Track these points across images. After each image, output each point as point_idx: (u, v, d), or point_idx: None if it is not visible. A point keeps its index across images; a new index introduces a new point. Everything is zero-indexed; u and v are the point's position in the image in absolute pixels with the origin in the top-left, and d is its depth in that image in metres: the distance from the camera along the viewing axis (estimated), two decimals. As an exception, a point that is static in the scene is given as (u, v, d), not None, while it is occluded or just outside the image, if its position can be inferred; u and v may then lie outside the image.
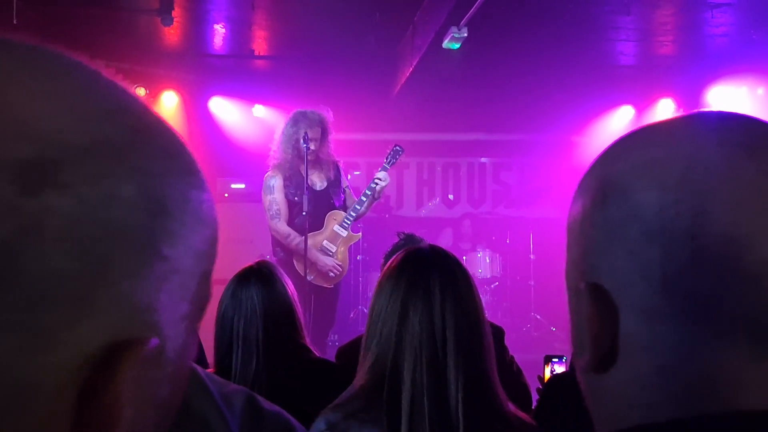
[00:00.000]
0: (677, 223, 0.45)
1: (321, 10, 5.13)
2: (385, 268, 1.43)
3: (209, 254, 0.40)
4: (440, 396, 1.27)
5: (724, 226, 0.44)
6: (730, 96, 6.32)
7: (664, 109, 7.00)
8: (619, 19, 5.14)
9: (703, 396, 0.45)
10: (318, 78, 6.28)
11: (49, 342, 0.31)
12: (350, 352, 1.76)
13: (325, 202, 4.29)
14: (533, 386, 2.18)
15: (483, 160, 7.99)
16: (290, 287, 1.94)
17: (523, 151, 7.65)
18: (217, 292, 2.15)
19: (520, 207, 7.38)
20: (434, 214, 7.81)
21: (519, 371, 2.15)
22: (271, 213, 4.24)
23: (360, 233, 4.82)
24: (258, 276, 1.89)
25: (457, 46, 4.70)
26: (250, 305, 1.83)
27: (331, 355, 2.46)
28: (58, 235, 0.31)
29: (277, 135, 4.30)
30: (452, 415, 1.26)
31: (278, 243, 4.28)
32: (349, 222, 4.30)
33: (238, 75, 6.64)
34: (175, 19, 5.06)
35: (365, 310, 5.28)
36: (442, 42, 4.69)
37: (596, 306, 0.48)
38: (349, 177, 4.96)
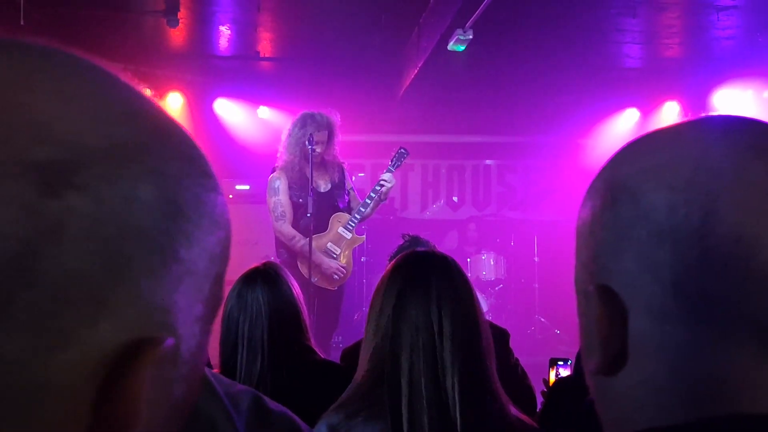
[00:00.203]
0: (687, 223, 0.45)
1: (326, 12, 5.14)
2: (384, 272, 1.45)
3: (223, 256, 0.41)
4: (438, 389, 1.29)
5: (733, 227, 0.44)
6: (736, 99, 6.30)
7: (670, 112, 6.98)
8: (624, 21, 5.14)
9: (713, 398, 0.45)
10: (323, 80, 6.29)
11: (68, 341, 0.31)
12: (355, 353, 1.76)
13: (330, 204, 4.30)
14: (538, 389, 2.18)
15: (488, 162, 7.99)
16: (296, 288, 1.95)
17: (528, 153, 7.64)
18: (225, 292, 2.16)
19: (524, 209, 7.37)
20: (439, 217, 7.81)
21: (524, 374, 2.15)
22: (275, 215, 4.25)
23: (364, 235, 4.83)
24: (264, 277, 1.89)
25: (462, 48, 4.71)
26: (255, 306, 1.84)
27: (335, 357, 2.46)
28: (79, 235, 0.31)
29: (284, 136, 4.30)
30: (450, 413, 1.28)
31: (282, 245, 4.29)
32: (353, 224, 4.30)
33: (244, 76, 6.65)
34: (180, 21, 5.08)
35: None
36: (447, 44, 4.69)
37: (605, 308, 0.49)
38: (353, 179, 4.97)
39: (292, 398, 1.61)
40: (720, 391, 0.45)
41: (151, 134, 0.36)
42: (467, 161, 7.95)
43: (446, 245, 7.02)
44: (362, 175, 7.49)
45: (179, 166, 0.37)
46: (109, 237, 0.32)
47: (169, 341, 0.35)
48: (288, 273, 2.00)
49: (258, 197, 5.59)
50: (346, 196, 4.40)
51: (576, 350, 0.58)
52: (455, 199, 7.97)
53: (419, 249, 1.52)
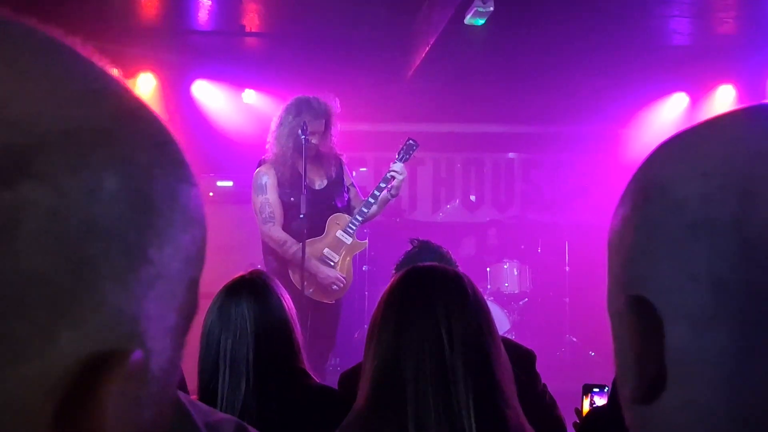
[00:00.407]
0: (723, 210, 0.46)
1: (323, -21, 5.15)
2: (384, 290, 1.50)
3: (198, 258, 0.41)
4: (451, 418, 1.32)
5: None
6: (801, 82, 6.30)
7: (724, 97, 6.97)
8: (671, -9, 5.14)
9: None
10: (319, 59, 6.30)
11: (23, 354, 0.31)
12: (354, 378, 1.77)
13: (326, 203, 4.30)
14: (569, 420, 2.18)
15: (510, 155, 7.99)
16: (287, 302, 1.95)
17: (557, 145, 7.64)
18: (203, 306, 2.16)
19: (553, 211, 7.37)
20: (453, 219, 7.81)
21: (552, 403, 2.15)
22: (263, 216, 4.26)
23: (366, 240, 4.84)
24: (250, 288, 1.90)
25: (481, 22, 4.71)
26: (240, 322, 1.85)
27: (331, 381, 2.47)
28: (35, 232, 0.31)
29: (274, 125, 4.30)
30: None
31: (271, 251, 4.29)
32: (354, 227, 4.30)
33: (226, 55, 6.67)
34: (153, -10, 5.10)
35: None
36: (464, 17, 4.70)
37: (639, 322, 0.49)
38: (354, 174, 4.98)
39: (282, 429, 1.62)
40: None
41: (118, 117, 0.36)
42: (486, 154, 7.95)
43: (462, 252, 7.03)
44: (364, 170, 7.51)
45: (149, 154, 0.37)
46: (70, 234, 0.32)
47: (137, 354, 0.35)
48: (278, 283, 2.01)
49: (242, 195, 5.60)
50: (345, 194, 4.40)
51: (614, 375, 0.59)
52: (472, 198, 7.97)
53: (421, 264, 1.55)
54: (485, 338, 1.41)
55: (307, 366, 1.94)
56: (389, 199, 4.37)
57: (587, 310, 6.24)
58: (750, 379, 0.45)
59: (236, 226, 5.96)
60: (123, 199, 0.35)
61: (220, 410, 1.78)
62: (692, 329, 0.47)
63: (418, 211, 7.84)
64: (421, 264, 1.57)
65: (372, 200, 4.32)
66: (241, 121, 6.91)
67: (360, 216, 4.31)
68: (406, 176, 4.41)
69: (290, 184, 4.22)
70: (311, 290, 4.20)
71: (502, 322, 6.12)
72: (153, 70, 6.73)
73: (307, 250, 4.09)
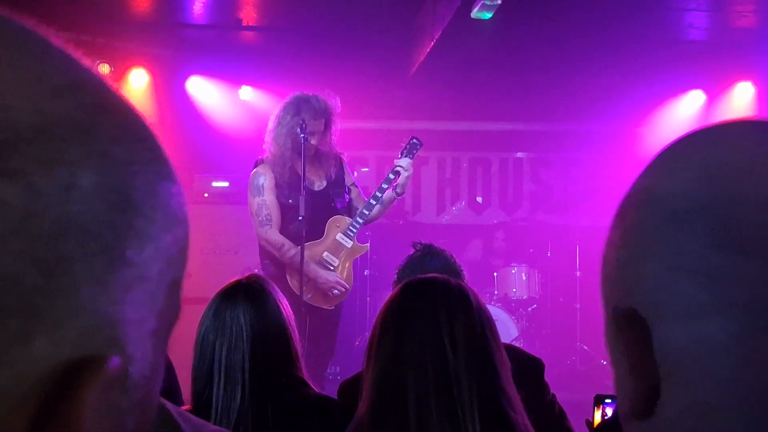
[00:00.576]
0: (701, 197, 0.48)
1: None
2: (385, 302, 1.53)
3: (180, 259, 0.41)
4: (453, 416, 1.35)
5: (757, 195, 0.47)
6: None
7: (742, 95, 6.97)
8: (687, -17, 5.14)
9: None
10: (319, 54, 6.31)
11: None
12: (354, 387, 1.77)
13: (325, 204, 4.30)
14: (579, 432, 2.18)
15: (519, 155, 7.99)
16: (285, 307, 1.96)
17: (567, 144, 7.64)
18: (198, 311, 2.14)
19: (563, 213, 7.37)
20: (459, 221, 7.82)
21: (562, 414, 2.15)
22: (259, 219, 4.26)
23: (368, 243, 4.83)
24: (246, 293, 1.90)
25: (488, 15, 4.71)
26: (235, 328, 1.85)
27: (331, 390, 2.47)
28: (7, 232, 0.31)
29: (272, 124, 4.30)
30: None
31: (268, 255, 4.30)
32: (355, 230, 4.30)
33: (222, 50, 6.68)
34: (146, -18, 5.12)
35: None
36: (470, 11, 4.70)
37: (626, 334, 0.51)
38: (355, 174, 4.98)
39: (279, 440, 1.62)
40: None
41: (94, 111, 0.36)
42: (493, 154, 7.95)
43: (468, 256, 7.03)
44: (366, 170, 7.51)
45: (127, 149, 0.37)
46: (44, 234, 0.32)
47: (115, 361, 0.35)
48: (276, 289, 2.01)
49: (239, 196, 5.61)
50: (346, 195, 4.40)
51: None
52: (479, 199, 7.97)
53: (422, 276, 1.57)
54: (489, 344, 1.43)
55: (305, 374, 1.95)
56: (394, 198, 4.37)
57: (599, 317, 6.22)
58: (753, 367, 0.46)
59: (232, 229, 5.97)
60: (100, 198, 0.34)
61: (215, 420, 1.79)
62: (687, 325, 0.47)
63: (423, 213, 7.84)
64: (421, 275, 1.58)
65: (374, 201, 4.32)
66: (237, 119, 6.92)
67: (361, 218, 4.31)
68: (412, 174, 4.41)
69: (288, 186, 4.22)
70: (310, 295, 4.21)
71: (510, 329, 6.11)
72: (145, 66, 6.73)
73: (306, 253, 4.09)
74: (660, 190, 0.51)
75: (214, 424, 1.78)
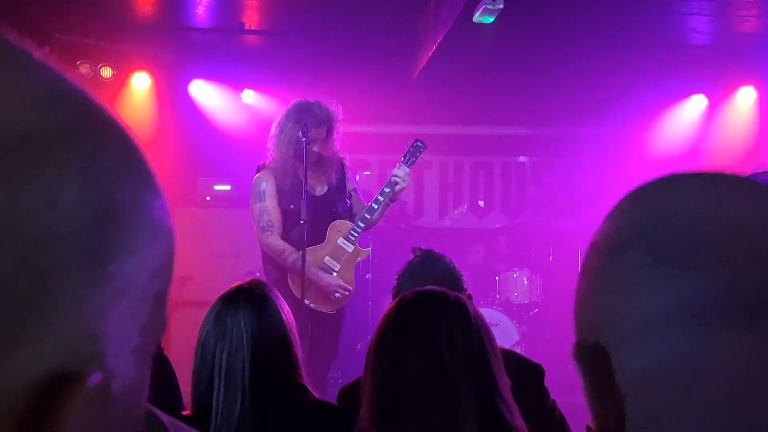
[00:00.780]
0: (638, 227, 0.57)
1: (326, -25, 5.17)
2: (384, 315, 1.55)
3: (165, 272, 0.40)
4: (452, 423, 1.37)
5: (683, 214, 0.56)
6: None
7: (745, 99, 6.97)
8: (689, -12, 5.14)
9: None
10: (321, 58, 6.32)
11: None
12: (354, 393, 1.78)
13: (327, 209, 4.30)
14: (580, 438, 2.18)
15: (521, 159, 7.99)
16: (286, 314, 1.96)
17: (569, 148, 7.64)
18: (199, 315, 2.14)
19: (566, 217, 7.36)
20: (461, 225, 7.81)
21: (562, 420, 2.15)
22: (261, 224, 4.26)
23: (369, 248, 4.83)
24: (248, 298, 1.91)
25: (490, 19, 4.72)
26: (236, 332, 1.85)
27: (333, 394, 2.47)
28: None
29: (273, 130, 4.31)
30: None
31: (271, 260, 4.30)
32: (356, 234, 4.30)
33: (225, 53, 6.69)
34: (149, -14, 5.13)
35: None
36: (472, 15, 4.70)
37: (592, 364, 0.56)
38: (357, 178, 4.97)
39: (279, 446, 1.63)
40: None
41: (77, 122, 0.36)
42: (496, 158, 7.95)
43: (470, 260, 7.03)
44: (368, 173, 7.51)
45: (110, 162, 0.37)
46: (25, 244, 0.32)
47: (95, 377, 0.34)
48: (278, 294, 2.01)
49: (241, 200, 5.62)
50: (347, 200, 4.40)
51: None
52: (481, 203, 7.97)
53: (421, 288, 1.58)
54: (487, 354, 1.45)
55: (305, 380, 1.95)
56: (389, 204, 4.37)
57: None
58: (703, 377, 0.50)
59: (234, 232, 5.97)
60: (82, 209, 0.34)
61: (215, 426, 1.79)
62: (639, 346, 0.52)
63: (425, 217, 7.84)
64: (420, 288, 1.59)
65: (375, 206, 4.32)
66: (240, 122, 6.92)
67: (362, 223, 4.31)
68: (410, 182, 4.40)
69: (290, 191, 4.22)
70: (311, 300, 4.21)
71: (512, 334, 6.11)
72: (148, 69, 6.74)
73: (308, 258, 4.09)
74: (605, 234, 0.60)
75: (215, 429, 1.79)
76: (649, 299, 0.52)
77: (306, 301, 4.13)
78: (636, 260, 0.54)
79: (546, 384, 2.21)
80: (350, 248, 4.32)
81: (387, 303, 2.17)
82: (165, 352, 2.21)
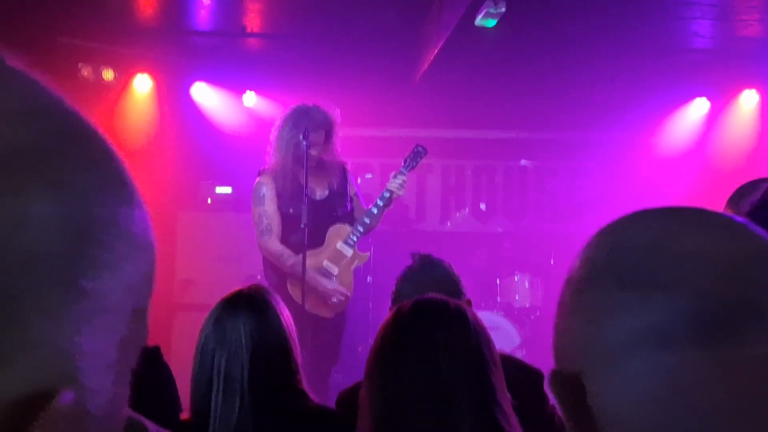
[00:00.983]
0: (605, 259, 0.61)
1: (328, -21, 5.17)
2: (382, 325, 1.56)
3: (144, 287, 0.39)
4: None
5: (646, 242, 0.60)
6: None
7: (747, 103, 6.97)
8: (692, -8, 5.15)
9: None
10: (323, 61, 6.33)
11: None
12: (353, 398, 1.78)
13: (327, 213, 4.30)
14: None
15: (523, 163, 7.98)
16: (286, 319, 1.96)
17: (572, 153, 7.63)
18: (199, 319, 2.14)
19: (568, 221, 7.35)
20: (462, 229, 7.81)
21: (562, 425, 2.15)
22: (260, 228, 4.27)
23: (369, 252, 4.83)
24: (248, 303, 1.91)
25: (492, 23, 4.72)
26: (235, 337, 1.85)
27: (334, 399, 2.46)
28: None
29: (273, 134, 4.32)
30: None
31: (271, 265, 4.31)
32: (355, 239, 4.30)
33: (226, 56, 6.70)
34: (151, -11, 5.14)
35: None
36: (474, 19, 4.71)
37: (568, 392, 0.58)
38: (359, 181, 4.97)
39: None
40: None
41: (52, 136, 0.35)
42: (498, 162, 7.95)
43: (472, 264, 7.02)
44: (370, 176, 7.51)
45: (86, 176, 0.36)
46: None
47: (67, 396, 0.34)
48: (278, 299, 2.01)
49: (242, 203, 5.62)
50: (347, 204, 4.40)
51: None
52: (483, 207, 7.97)
53: (420, 297, 1.59)
54: (485, 362, 1.46)
55: (305, 385, 1.94)
56: (386, 208, 4.38)
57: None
58: (675, 400, 0.52)
59: (235, 236, 5.98)
60: (53, 228, 0.33)
61: (213, 431, 1.78)
62: (609, 373, 0.55)
63: (426, 221, 7.83)
64: (419, 297, 1.59)
65: (375, 210, 4.32)
66: (241, 125, 6.93)
67: (361, 227, 4.31)
68: (409, 188, 4.41)
69: (290, 195, 4.22)
70: (310, 304, 4.20)
71: (513, 338, 6.10)
72: (150, 72, 6.75)
73: (307, 262, 4.09)
74: (576, 268, 0.64)
75: (213, 434, 1.79)
76: (618, 324, 0.55)
77: (305, 306, 4.13)
78: (604, 289, 0.57)
79: (545, 389, 2.20)
80: (349, 252, 4.32)
81: (388, 306, 2.18)
82: (165, 356, 2.21)
